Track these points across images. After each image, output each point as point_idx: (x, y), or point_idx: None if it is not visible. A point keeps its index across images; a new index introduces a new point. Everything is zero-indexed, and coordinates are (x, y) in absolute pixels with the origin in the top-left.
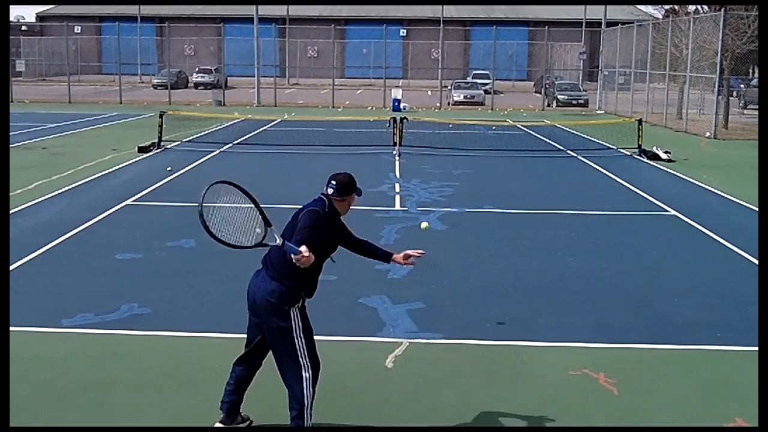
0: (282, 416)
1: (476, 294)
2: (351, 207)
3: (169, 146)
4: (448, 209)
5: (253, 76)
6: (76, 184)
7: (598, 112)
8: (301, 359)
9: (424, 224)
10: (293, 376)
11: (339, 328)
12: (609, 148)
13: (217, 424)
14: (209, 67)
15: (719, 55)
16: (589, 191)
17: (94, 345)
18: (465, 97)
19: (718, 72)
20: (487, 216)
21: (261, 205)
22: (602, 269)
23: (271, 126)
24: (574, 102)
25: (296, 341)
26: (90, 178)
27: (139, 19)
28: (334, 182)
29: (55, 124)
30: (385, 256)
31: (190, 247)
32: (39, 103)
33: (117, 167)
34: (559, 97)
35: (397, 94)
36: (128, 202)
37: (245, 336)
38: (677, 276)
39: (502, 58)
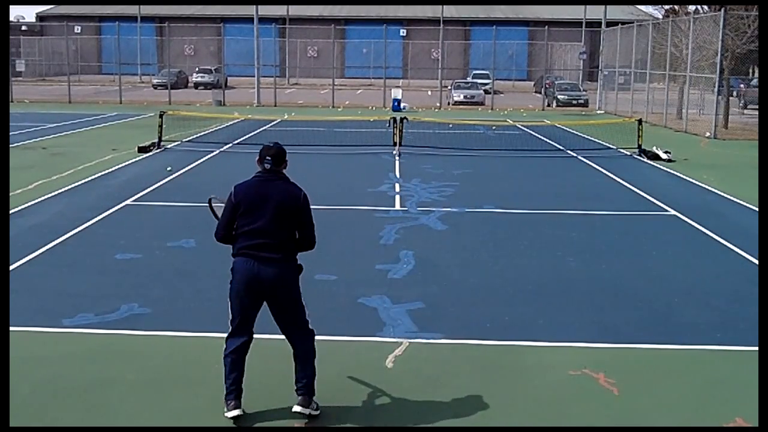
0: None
1: (476, 294)
2: (351, 207)
3: (169, 146)
4: (448, 209)
5: (253, 76)
6: (76, 184)
7: (598, 112)
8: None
9: None
10: (310, 333)
11: (339, 328)
12: (609, 148)
13: (237, 412)
14: (209, 67)
15: (719, 55)
16: (589, 191)
17: (94, 345)
18: (465, 97)
19: (718, 72)
20: (487, 216)
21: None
22: (602, 269)
23: (271, 126)
24: (574, 102)
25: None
26: (90, 178)
27: (139, 19)
28: (269, 157)
29: (55, 124)
30: None
31: (190, 247)
32: (39, 103)
33: (117, 167)
34: (559, 97)
35: (397, 94)
36: (128, 202)
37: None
38: (677, 276)
39: (502, 58)
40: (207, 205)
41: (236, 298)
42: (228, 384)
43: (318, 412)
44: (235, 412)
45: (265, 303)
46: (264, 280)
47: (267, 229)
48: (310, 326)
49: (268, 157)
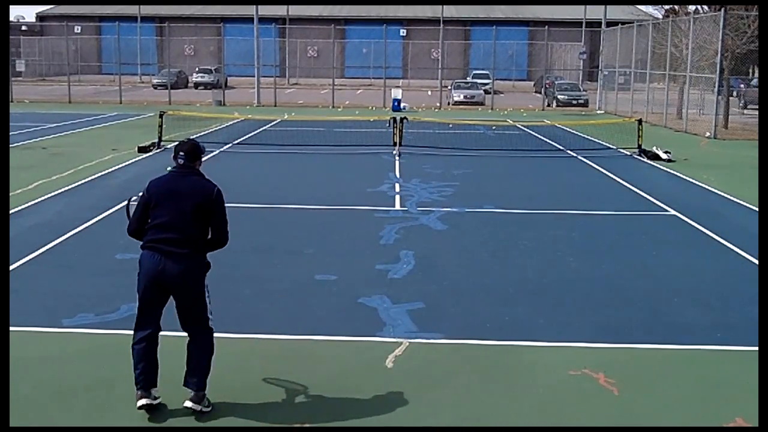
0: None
1: (476, 294)
2: (351, 207)
3: (169, 146)
4: (448, 209)
5: (253, 76)
6: (76, 184)
7: (598, 112)
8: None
9: None
10: (208, 331)
11: (339, 328)
12: (609, 148)
13: (145, 401)
14: (209, 67)
15: (719, 55)
16: (589, 191)
17: (94, 345)
18: (465, 97)
19: (718, 72)
20: (487, 216)
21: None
22: (602, 269)
23: (271, 126)
24: (574, 102)
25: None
26: (90, 178)
27: (139, 19)
28: (182, 152)
29: (55, 124)
30: None
31: None
32: (39, 103)
33: (117, 167)
34: (559, 97)
35: (397, 94)
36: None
37: (248, 335)
38: (677, 276)
39: (502, 58)
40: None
41: (142, 291)
42: (137, 374)
43: (209, 409)
44: (143, 401)
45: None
46: (169, 274)
47: (175, 224)
48: (210, 324)
49: (181, 153)
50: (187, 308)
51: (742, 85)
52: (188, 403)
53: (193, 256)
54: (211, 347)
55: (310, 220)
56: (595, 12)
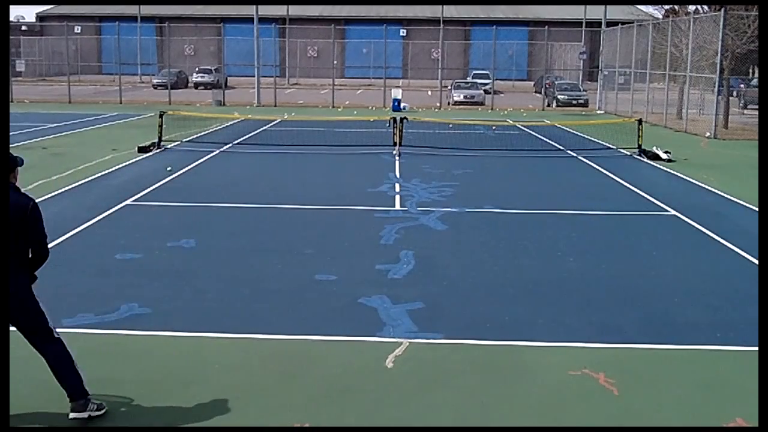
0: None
1: (476, 294)
2: (351, 207)
3: (169, 146)
4: (448, 209)
5: (253, 76)
6: (76, 184)
7: (598, 112)
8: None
9: None
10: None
11: (339, 328)
12: (609, 148)
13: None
14: (209, 67)
15: (719, 55)
16: (589, 191)
17: (94, 345)
18: (465, 97)
19: (718, 72)
20: (487, 216)
21: None
22: (602, 269)
23: (271, 126)
24: (574, 102)
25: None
26: (90, 178)
27: (139, 19)
28: None
29: (55, 124)
30: None
31: (190, 247)
32: (39, 103)
33: (117, 167)
34: (559, 97)
35: (397, 94)
36: (128, 202)
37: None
38: (677, 276)
39: (502, 58)
40: None
41: None
42: None
43: (101, 412)
44: None
45: None
46: None
47: None
48: (56, 335)
49: None
50: (21, 326)
51: (742, 85)
52: (73, 414)
53: (13, 273)
54: (67, 355)
55: (310, 220)
56: (595, 12)
